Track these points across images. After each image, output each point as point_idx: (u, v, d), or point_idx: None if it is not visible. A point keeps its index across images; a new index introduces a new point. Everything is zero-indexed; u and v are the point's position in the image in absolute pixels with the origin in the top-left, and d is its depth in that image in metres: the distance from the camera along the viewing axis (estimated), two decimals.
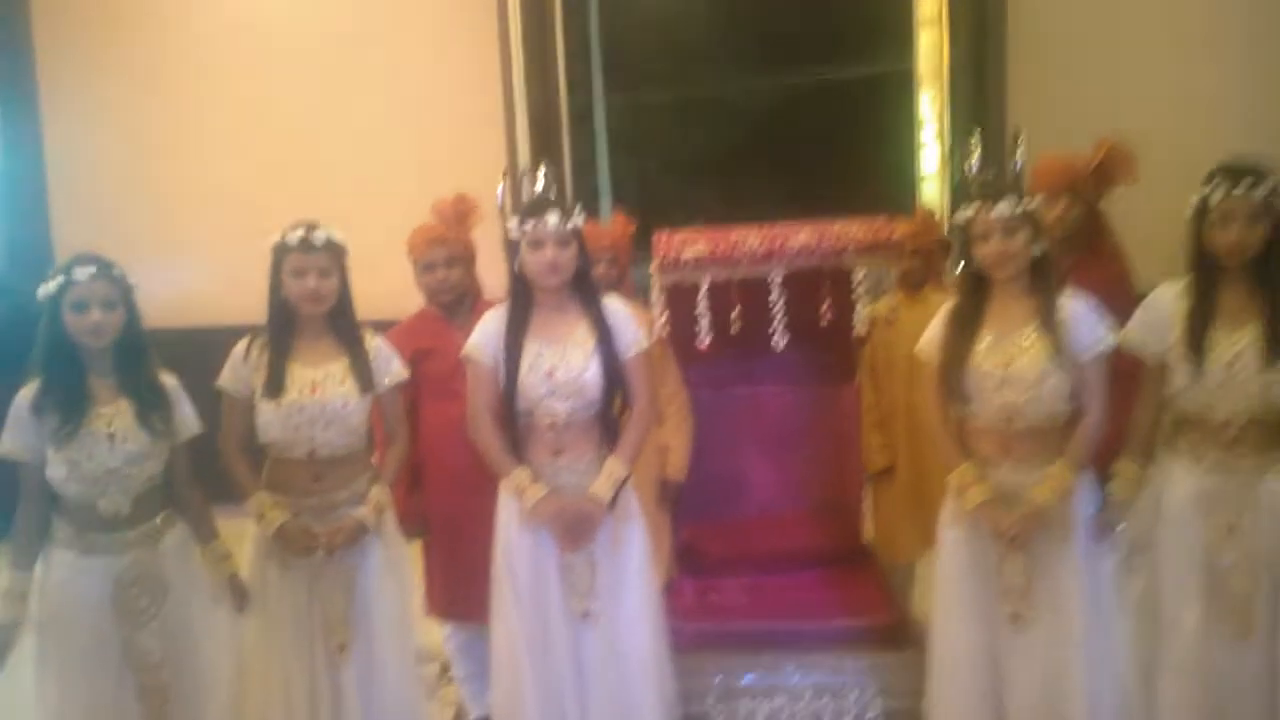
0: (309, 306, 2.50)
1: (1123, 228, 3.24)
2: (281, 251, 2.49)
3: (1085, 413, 2.43)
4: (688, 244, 3.17)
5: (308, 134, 5.48)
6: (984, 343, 2.47)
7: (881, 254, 3.14)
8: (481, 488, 2.99)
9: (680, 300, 3.18)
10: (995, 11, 5.10)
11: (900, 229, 3.21)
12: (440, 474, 3.06)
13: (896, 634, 3.11)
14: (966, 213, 2.48)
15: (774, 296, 3.14)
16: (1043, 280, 2.46)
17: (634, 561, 2.61)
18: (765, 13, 7.96)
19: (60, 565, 2.36)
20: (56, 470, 2.31)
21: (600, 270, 3.03)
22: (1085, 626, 2.42)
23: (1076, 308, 2.46)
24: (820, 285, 3.22)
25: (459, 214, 3.10)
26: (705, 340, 3.13)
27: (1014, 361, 2.41)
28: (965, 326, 2.50)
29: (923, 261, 3.51)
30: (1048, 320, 2.43)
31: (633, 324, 2.65)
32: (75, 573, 2.35)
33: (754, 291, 3.14)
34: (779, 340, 3.16)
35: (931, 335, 2.60)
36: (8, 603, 2.33)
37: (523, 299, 2.60)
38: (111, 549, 2.37)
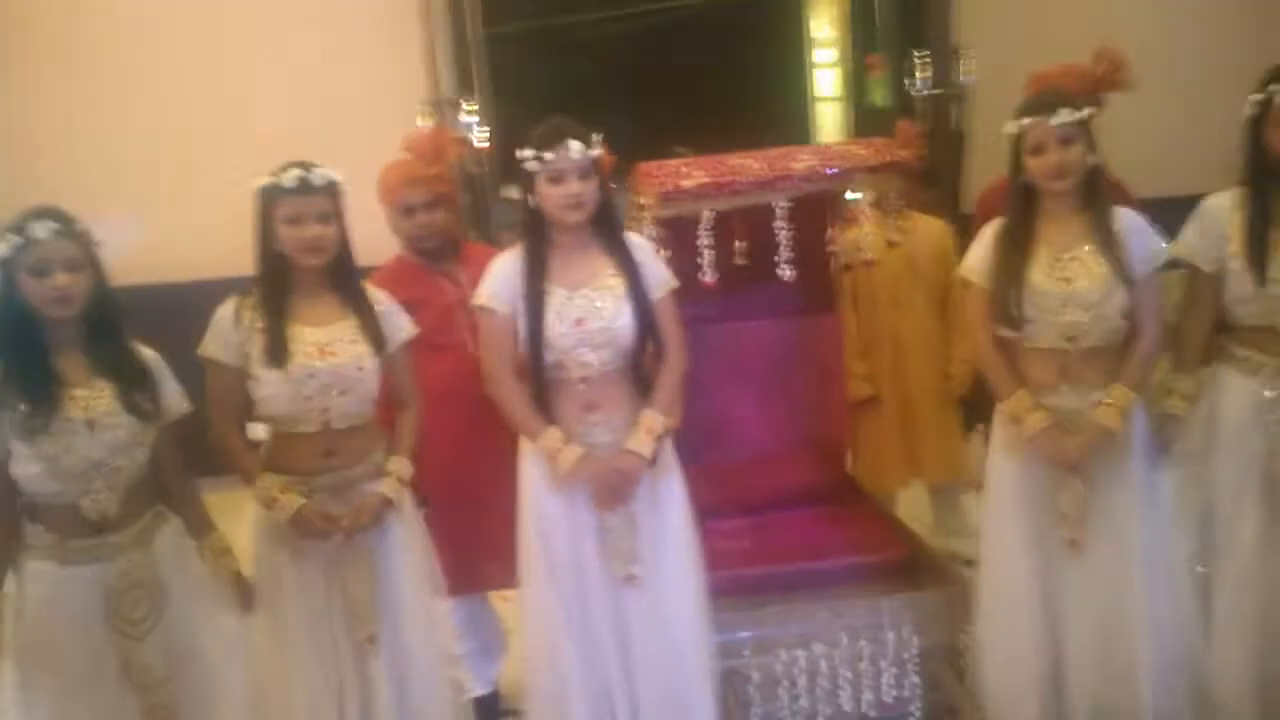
0: (309, 258, 2.18)
1: None
2: (273, 195, 2.15)
3: (1140, 330, 2.35)
4: (684, 174, 2.95)
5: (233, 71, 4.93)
6: (1039, 261, 2.35)
7: (888, 175, 2.99)
8: (483, 449, 2.76)
9: (674, 234, 2.97)
10: None
11: (902, 148, 3.06)
12: (437, 436, 2.77)
13: (916, 568, 3.03)
14: (1018, 124, 2.34)
15: (779, 224, 2.96)
16: (1096, 193, 2.36)
17: (675, 518, 2.43)
18: None
19: (38, 579, 2.00)
20: (28, 468, 1.95)
21: None
22: (1145, 549, 2.37)
23: (1130, 220, 2.37)
24: (811, 211, 3.06)
25: (436, 149, 2.78)
26: (711, 275, 2.92)
27: (1075, 280, 2.31)
28: (1017, 245, 2.38)
29: (905, 184, 3.39)
30: (1105, 235, 2.33)
31: (659, 261, 2.43)
32: (57, 585, 1.99)
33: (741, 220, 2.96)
34: (786, 271, 2.99)
35: (977, 256, 2.47)
36: None
37: (539, 239, 2.33)
38: (99, 554, 2.02)
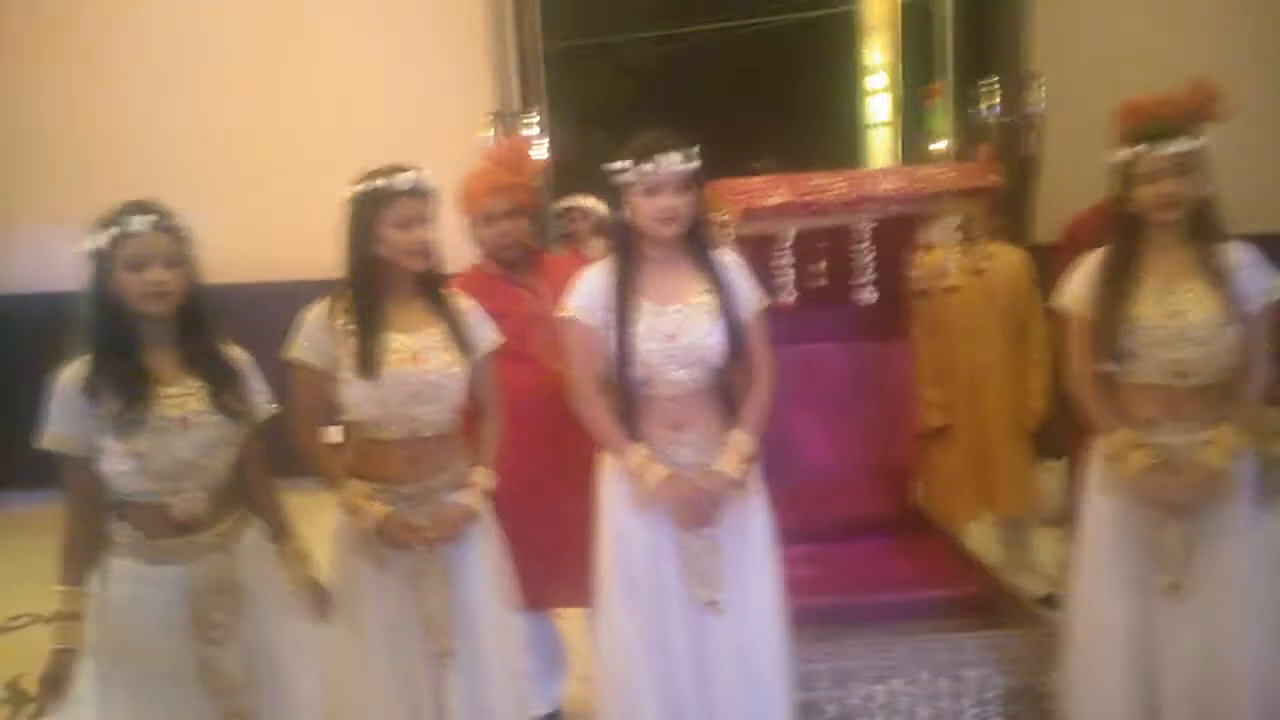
0: (414, 261, 2.14)
1: None
2: (382, 198, 2.11)
3: (1250, 368, 2.27)
4: (766, 191, 2.89)
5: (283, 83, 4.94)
6: (1147, 294, 2.27)
7: (976, 199, 2.93)
8: (556, 463, 2.71)
9: (753, 253, 2.92)
10: None
11: (990, 173, 3.00)
12: (510, 448, 2.71)
13: (994, 605, 2.95)
14: (1131, 151, 2.27)
15: (862, 246, 2.90)
16: (1207, 225, 2.28)
17: (759, 543, 2.36)
18: None
19: (123, 577, 1.95)
20: (119, 464, 1.90)
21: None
22: (1249, 594, 2.28)
23: (1240, 255, 2.29)
24: (887, 234, 3.00)
25: (519, 158, 2.75)
26: (791, 296, 2.86)
27: (1186, 313, 2.23)
28: (1123, 276, 2.31)
29: (984, 210, 3.32)
30: (1216, 268, 2.25)
31: (749, 279, 2.37)
32: (142, 585, 1.95)
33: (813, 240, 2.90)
34: (867, 294, 2.93)
35: (1078, 286, 2.40)
36: (63, 627, 1.92)
37: (631, 252, 2.28)
38: (183, 555, 1.97)
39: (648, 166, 2.18)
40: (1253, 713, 2.26)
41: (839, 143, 8.52)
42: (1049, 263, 3.45)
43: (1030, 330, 3.49)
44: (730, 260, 2.34)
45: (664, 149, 2.19)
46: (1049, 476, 4.04)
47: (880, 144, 8.40)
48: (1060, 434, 4.19)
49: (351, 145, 4.65)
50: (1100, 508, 2.40)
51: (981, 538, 3.78)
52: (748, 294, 2.33)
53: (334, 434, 2.28)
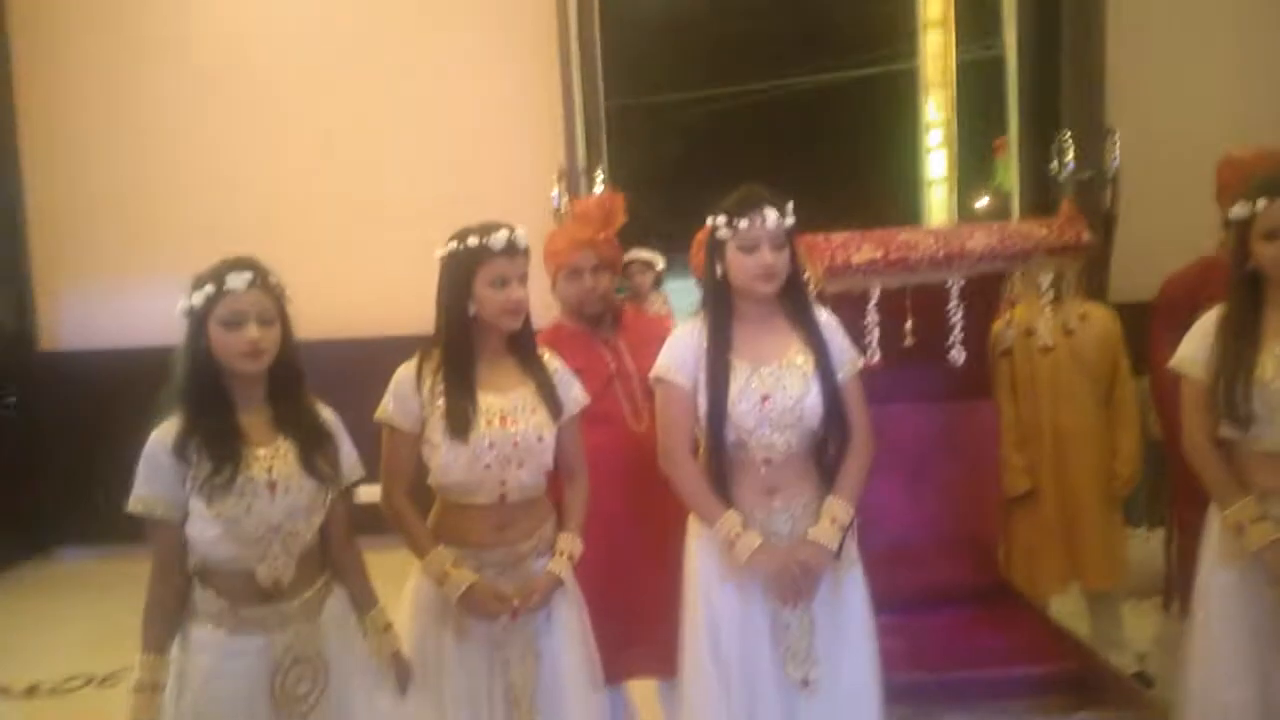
0: (510, 321, 2.09)
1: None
2: (478, 257, 2.07)
3: None
4: (853, 248, 2.82)
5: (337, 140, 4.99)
6: (1269, 356, 2.16)
7: (1069, 256, 2.83)
8: (638, 528, 2.62)
9: (836, 310, 2.84)
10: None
11: (1079, 230, 2.90)
12: (590, 511, 2.64)
13: (1090, 683, 2.80)
14: (1249, 206, 2.17)
15: (953, 304, 2.81)
16: None
17: (857, 618, 2.24)
18: (764, 14, 7.72)
19: (205, 647, 1.88)
20: (206, 529, 1.85)
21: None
22: None
23: None
24: (969, 292, 2.90)
25: (606, 215, 2.70)
26: (875, 356, 2.76)
27: None
28: (1243, 337, 2.19)
29: (1076, 267, 3.22)
30: None
31: (847, 341, 2.29)
32: (224, 656, 1.88)
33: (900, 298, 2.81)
34: (957, 354, 2.83)
35: (1194, 348, 2.29)
36: (142, 697, 1.85)
37: (724, 311, 2.21)
38: (268, 624, 1.90)
39: (744, 223, 2.12)
40: None
41: (897, 199, 8.48)
42: (1134, 322, 3.37)
43: (1118, 392, 3.36)
44: (826, 319, 2.26)
45: (760, 205, 2.13)
46: (1137, 545, 3.88)
47: (937, 200, 8.36)
48: (1154, 501, 4.05)
49: (424, 201, 4.73)
50: (1219, 582, 2.26)
51: (1065, 609, 3.63)
52: (844, 354, 2.25)
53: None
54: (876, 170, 8.44)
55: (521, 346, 2.17)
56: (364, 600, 2.07)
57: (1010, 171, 6.20)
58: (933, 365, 2.98)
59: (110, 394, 4.56)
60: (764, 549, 2.13)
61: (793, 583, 2.14)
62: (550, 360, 2.23)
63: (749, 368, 2.16)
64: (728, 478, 2.19)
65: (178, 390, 1.88)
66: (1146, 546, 4.05)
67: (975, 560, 3.31)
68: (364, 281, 4.74)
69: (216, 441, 1.84)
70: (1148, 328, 3.08)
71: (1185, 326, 2.86)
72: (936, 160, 8.33)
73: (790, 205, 2.18)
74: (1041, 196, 5.22)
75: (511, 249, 2.07)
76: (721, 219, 2.16)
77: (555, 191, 4.51)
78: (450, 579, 2.06)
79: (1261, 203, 2.15)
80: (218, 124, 5.01)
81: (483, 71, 4.92)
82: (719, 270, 2.18)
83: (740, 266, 2.15)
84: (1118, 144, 4.41)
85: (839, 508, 2.17)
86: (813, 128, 7.90)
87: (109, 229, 5.21)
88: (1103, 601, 3.50)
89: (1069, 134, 4.49)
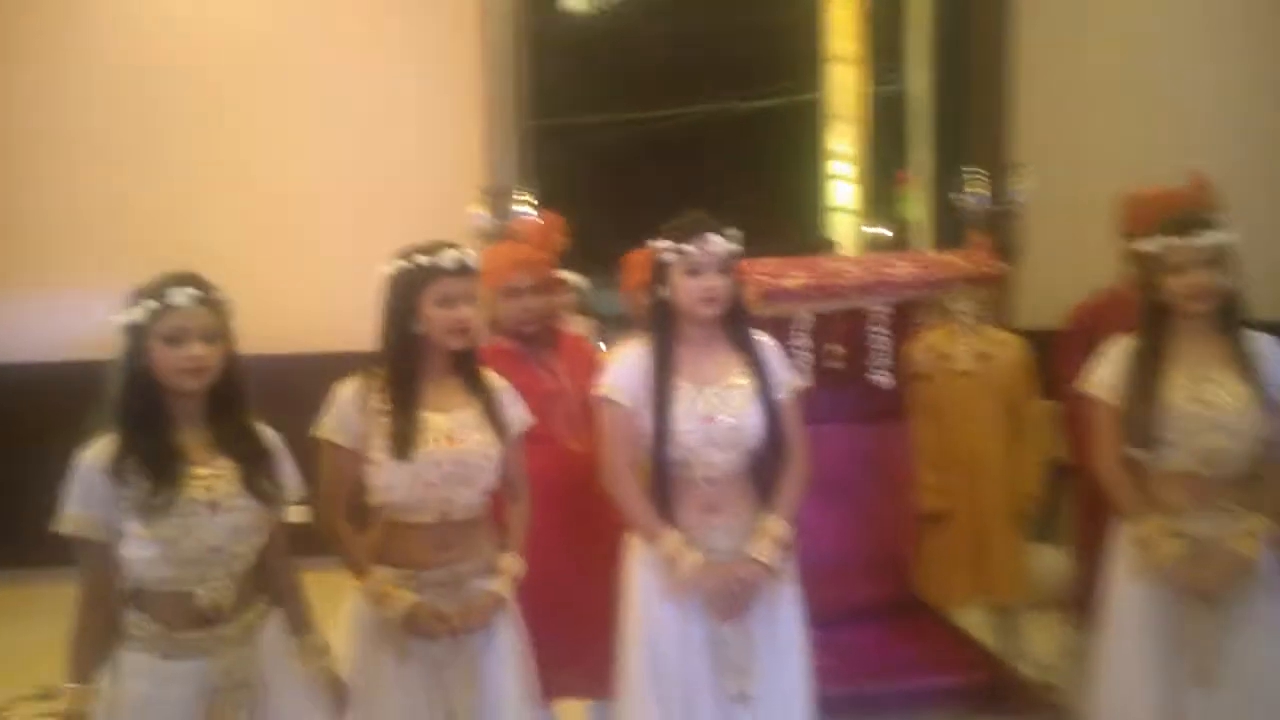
0: (456, 341, 2.08)
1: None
2: (425, 275, 2.06)
3: (1277, 456, 2.29)
4: (784, 273, 2.91)
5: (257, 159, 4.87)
6: (1177, 382, 2.29)
7: (985, 285, 2.96)
8: (572, 548, 2.63)
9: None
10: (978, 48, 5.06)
11: (994, 262, 3.04)
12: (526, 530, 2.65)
13: (1008, 693, 2.92)
14: (1159, 242, 2.31)
15: (878, 329, 2.91)
16: (1233, 315, 2.32)
17: (792, 634, 2.30)
18: (677, 42, 7.86)
19: (138, 673, 1.81)
20: (142, 551, 1.78)
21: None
22: (1276, 682, 2.26)
23: (1265, 345, 2.33)
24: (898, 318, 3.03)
25: (545, 234, 2.71)
26: (807, 379, 2.84)
27: (1216, 403, 2.25)
28: (1152, 365, 2.33)
29: (992, 296, 3.36)
30: (1242, 358, 2.29)
31: (785, 362, 2.35)
32: (159, 683, 1.81)
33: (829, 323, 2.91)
34: (884, 378, 2.94)
35: (1105, 374, 2.41)
36: None
37: (668, 332, 2.25)
38: (204, 649, 1.84)
39: (689, 247, 2.17)
40: None
41: (804, 226, 8.68)
42: (1037, 348, 3.53)
43: (1025, 414, 3.51)
44: (766, 342, 2.32)
45: (706, 230, 2.18)
46: (1038, 561, 4.04)
47: (842, 229, 8.60)
48: (1052, 520, 4.23)
49: (349, 219, 4.65)
50: (1128, 595, 2.38)
51: (970, 622, 3.77)
52: (783, 376, 2.31)
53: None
54: (784, 198, 8.64)
55: (466, 366, 2.17)
56: (300, 623, 2.02)
57: (917, 202, 6.45)
58: (854, 388, 3.08)
59: (29, 409, 4.39)
60: (706, 566, 2.17)
61: (732, 598, 2.18)
62: (494, 380, 2.23)
63: (693, 389, 2.20)
64: (670, 496, 2.22)
65: (113, 407, 1.82)
66: (1044, 562, 4.23)
67: (891, 577, 3.42)
68: (274, 298, 4.62)
69: (154, 461, 1.78)
70: (1052, 353, 3.23)
71: (1093, 353, 3.05)
72: (842, 190, 8.59)
73: (735, 232, 2.24)
74: (950, 228, 5.44)
75: (461, 269, 2.07)
76: (668, 243, 2.20)
77: (480, 210, 4.49)
78: (391, 600, 2.03)
79: (1173, 240, 2.29)
80: (139, 140, 4.84)
81: (401, 87, 4.87)
82: (663, 293, 2.22)
83: (685, 290, 2.19)
84: (1021, 179, 4.62)
85: (776, 525, 2.23)
86: (723, 155, 8.04)
87: (33, 241, 4.97)
88: (1007, 615, 3.64)
89: (977, 169, 4.68)
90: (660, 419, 2.19)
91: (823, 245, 7.00)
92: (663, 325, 2.25)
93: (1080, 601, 3.19)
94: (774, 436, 2.24)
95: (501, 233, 4.21)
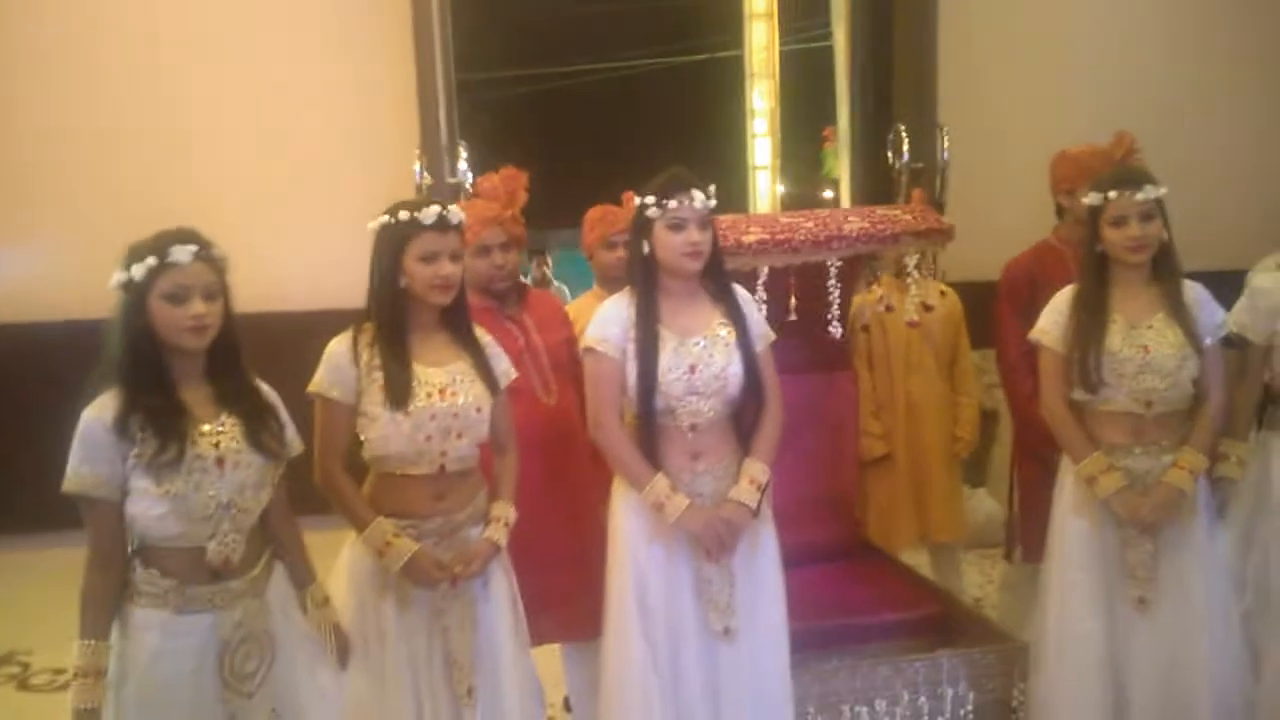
0: (439, 296, 2.11)
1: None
2: (406, 231, 2.08)
3: (1207, 395, 2.49)
4: (743, 229, 2.99)
5: (199, 122, 4.70)
6: (1116, 328, 2.47)
7: (932, 239, 3.09)
8: (551, 498, 2.70)
9: None
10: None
11: (936, 215, 3.18)
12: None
13: (953, 624, 3.09)
14: (1100, 197, 2.47)
15: (831, 282, 3.02)
16: (1168, 266, 2.50)
17: (770, 571, 2.42)
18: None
19: (149, 628, 1.82)
20: (151, 508, 1.79)
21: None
22: (1207, 602, 2.48)
23: (1197, 293, 2.52)
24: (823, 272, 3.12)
25: (510, 191, 2.74)
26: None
27: (1152, 347, 2.43)
28: (1094, 313, 2.50)
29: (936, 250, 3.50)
30: (1176, 305, 2.47)
31: (761, 315, 2.45)
32: (170, 636, 1.83)
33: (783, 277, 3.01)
34: (835, 329, 3.06)
35: (1051, 321, 2.58)
36: (84, 685, 1.77)
37: (651, 286, 2.32)
38: (215, 602, 1.86)
39: (673, 203, 2.24)
40: (1210, 709, 2.46)
41: (726, 184, 8.78)
42: (965, 300, 3.72)
43: (959, 365, 3.69)
44: (743, 294, 2.41)
45: (688, 186, 2.25)
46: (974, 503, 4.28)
47: (762, 186, 8.74)
48: (981, 464, 4.46)
49: (275, 184, 4.54)
50: (1072, 528, 2.57)
51: (912, 561, 3.97)
52: (759, 327, 2.41)
53: None
54: (707, 155, 8.71)
55: (455, 321, 2.21)
56: (302, 575, 2.06)
57: (840, 160, 6.59)
58: (802, 339, 3.19)
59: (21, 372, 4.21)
60: (691, 509, 2.26)
61: (717, 539, 2.28)
62: (482, 334, 2.27)
63: (676, 339, 2.29)
64: (655, 443, 2.31)
65: (114, 366, 1.81)
66: (975, 504, 4.48)
67: (838, 520, 3.56)
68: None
69: (161, 418, 1.79)
70: (988, 306, 3.39)
71: (1027, 304, 3.21)
72: (761, 147, 8.71)
73: (712, 188, 2.32)
74: (872, 186, 5.59)
75: (442, 224, 2.09)
76: (650, 199, 2.27)
77: (417, 167, 4.46)
78: (393, 549, 2.08)
79: (1113, 194, 2.45)
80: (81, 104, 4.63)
81: (333, 40, 4.77)
82: (646, 247, 2.29)
83: (668, 244, 2.27)
84: (947, 138, 4.79)
85: (756, 469, 2.34)
86: (647, 111, 8.06)
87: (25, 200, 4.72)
88: (944, 554, 3.85)
89: (903, 128, 4.82)
90: (646, 369, 2.27)
91: None
92: (646, 279, 2.32)
93: (1016, 538, 3.41)
94: (753, 385, 2.34)
95: (457, 191, 4.19)
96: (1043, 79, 5.08)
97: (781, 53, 8.30)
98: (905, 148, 4.78)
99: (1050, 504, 2.68)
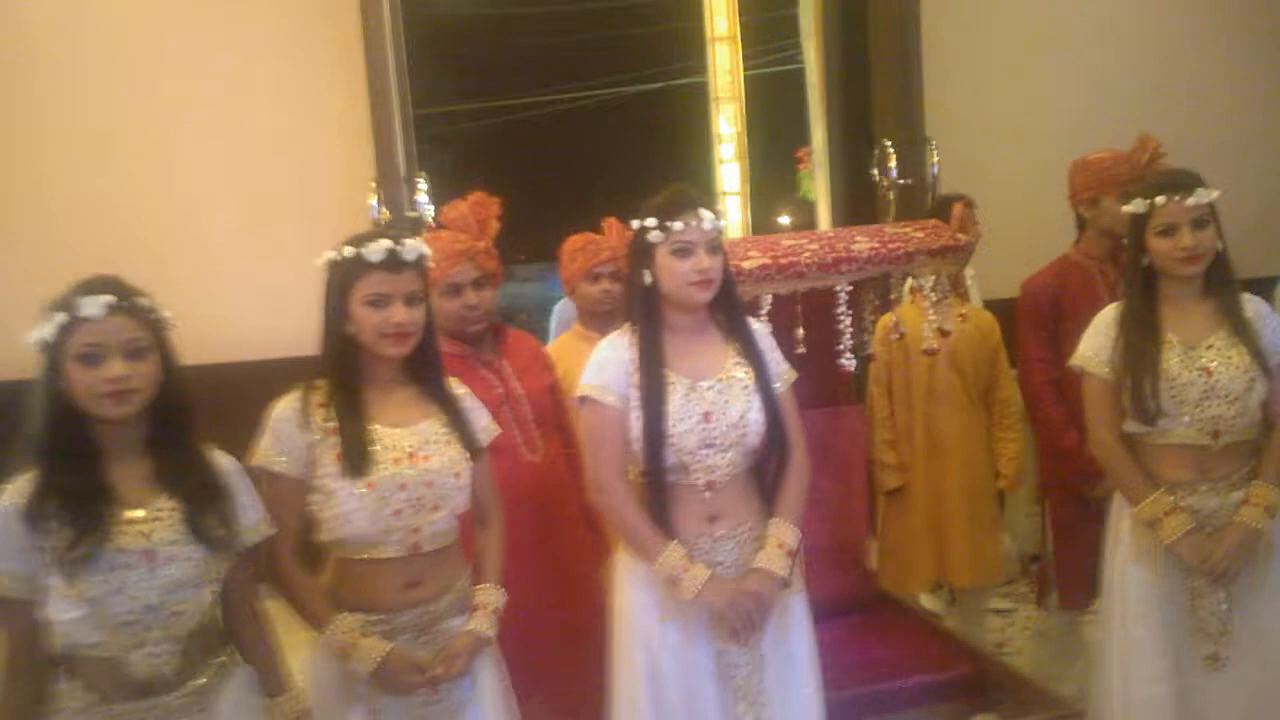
0: (390, 347, 1.78)
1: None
2: (352, 270, 1.75)
3: (1276, 422, 2.21)
4: (742, 254, 2.69)
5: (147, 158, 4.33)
6: (1172, 350, 2.19)
7: (949, 258, 2.81)
8: (537, 568, 2.36)
9: None
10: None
11: (958, 233, 2.90)
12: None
13: (994, 685, 2.80)
14: (1146, 204, 2.20)
15: (840, 309, 2.73)
16: (1224, 278, 2.23)
17: (803, 648, 2.08)
18: (561, 27, 7.58)
19: None
20: (66, 611, 1.46)
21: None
22: None
23: (1257, 306, 2.25)
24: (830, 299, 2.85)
25: (481, 220, 2.42)
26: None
27: (1215, 370, 2.15)
28: (1145, 333, 2.21)
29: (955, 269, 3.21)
30: (1237, 322, 2.20)
31: (779, 352, 2.14)
32: None
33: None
34: (847, 362, 2.76)
35: (1095, 345, 2.29)
36: None
37: (654, 321, 2.01)
38: None
39: (678, 225, 1.93)
40: None
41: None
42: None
43: (1000, 394, 3.38)
44: (760, 329, 2.10)
45: (694, 205, 1.96)
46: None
47: (732, 212, 8.50)
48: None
49: (246, 220, 4.20)
50: (1134, 579, 2.27)
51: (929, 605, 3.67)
52: (779, 366, 2.10)
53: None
54: (674, 181, 8.47)
55: (423, 372, 1.87)
56: (275, 683, 1.71)
57: (817, 181, 6.34)
58: (809, 371, 2.90)
59: None
60: (712, 582, 1.93)
61: (745, 617, 1.94)
62: (456, 386, 1.94)
63: (686, 383, 1.97)
64: (666, 505, 1.97)
65: (29, 441, 1.48)
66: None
67: (848, 570, 3.26)
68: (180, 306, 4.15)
69: (77, 504, 1.46)
70: (1012, 328, 3.11)
71: (1048, 323, 2.95)
72: (730, 173, 8.48)
73: (720, 207, 2.02)
74: (856, 205, 5.33)
75: (393, 261, 1.76)
76: (651, 220, 1.96)
77: (374, 201, 4.13)
78: (360, 650, 1.73)
79: (1160, 200, 2.18)
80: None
81: (284, 73, 4.44)
82: (647, 277, 1.98)
83: (673, 272, 1.96)
84: (936, 153, 4.55)
85: (785, 531, 2.01)
86: (612, 139, 7.82)
87: None
88: (971, 600, 3.54)
89: (889, 143, 4.58)
90: (652, 419, 1.94)
91: None
92: (647, 314, 2.00)
93: (1051, 582, 3.12)
94: (775, 433, 2.03)
95: (417, 225, 3.87)
96: (1029, 88, 4.87)
97: (750, 77, 8.10)
98: (892, 164, 4.52)
99: (1089, 546, 2.39)
